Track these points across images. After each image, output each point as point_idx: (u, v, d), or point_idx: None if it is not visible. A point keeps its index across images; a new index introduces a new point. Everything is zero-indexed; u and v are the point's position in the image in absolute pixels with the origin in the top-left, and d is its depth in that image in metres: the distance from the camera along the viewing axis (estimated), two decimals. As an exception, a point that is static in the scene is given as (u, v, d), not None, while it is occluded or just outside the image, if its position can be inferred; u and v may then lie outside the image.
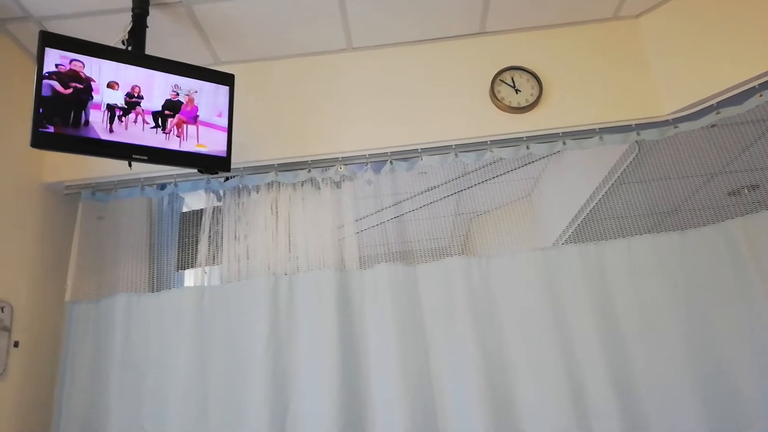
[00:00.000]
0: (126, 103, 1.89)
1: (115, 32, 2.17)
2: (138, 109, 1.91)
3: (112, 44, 1.92)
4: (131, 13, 2.06)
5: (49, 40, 1.78)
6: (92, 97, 1.83)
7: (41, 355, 2.20)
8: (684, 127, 2.32)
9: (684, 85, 2.27)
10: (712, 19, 2.24)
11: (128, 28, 2.03)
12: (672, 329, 2.02)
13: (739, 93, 2.18)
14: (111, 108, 1.86)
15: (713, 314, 2.02)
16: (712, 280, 2.06)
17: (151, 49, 2.30)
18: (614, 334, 2.04)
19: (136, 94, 1.91)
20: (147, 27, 2.08)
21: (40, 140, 1.74)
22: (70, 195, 2.43)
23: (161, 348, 2.15)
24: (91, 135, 1.82)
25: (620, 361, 2.01)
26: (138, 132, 1.90)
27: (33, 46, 2.27)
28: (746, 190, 3.16)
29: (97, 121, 1.83)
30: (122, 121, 1.88)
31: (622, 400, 1.95)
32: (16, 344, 2.07)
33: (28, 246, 2.21)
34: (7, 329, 2.03)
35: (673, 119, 2.32)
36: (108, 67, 1.86)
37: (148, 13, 2.09)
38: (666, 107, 2.31)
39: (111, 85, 1.87)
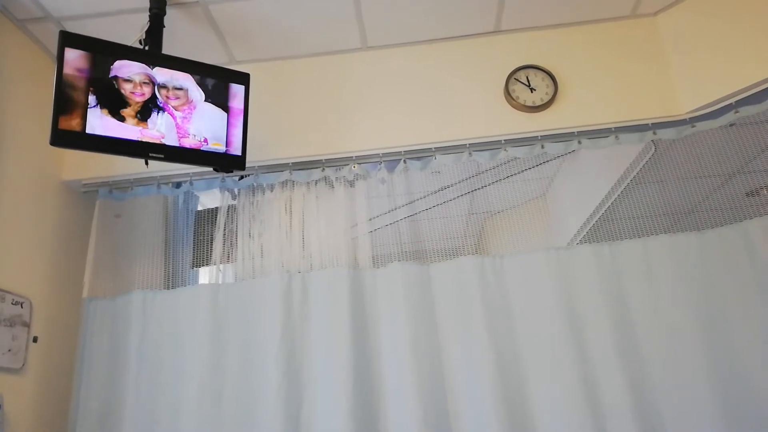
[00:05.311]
0: (143, 101, 1.91)
1: (132, 32, 2.20)
2: (155, 107, 1.93)
3: (130, 44, 1.94)
4: (148, 13, 2.08)
5: (69, 39, 1.81)
6: (110, 96, 1.85)
7: (59, 351, 2.24)
8: (702, 126, 2.29)
9: (702, 84, 2.24)
10: (730, 17, 2.21)
11: (145, 28, 2.05)
12: (689, 330, 1.99)
13: (759, 92, 2.15)
14: (128, 106, 1.88)
15: (731, 315, 2.00)
16: (730, 280, 2.03)
17: (167, 48, 2.33)
18: (630, 334, 2.03)
19: (152, 93, 1.93)
20: (164, 27, 2.10)
21: (59, 138, 1.77)
22: (87, 193, 2.47)
23: (176, 344, 2.17)
24: (109, 133, 1.85)
25: (636, 361, 1.99)
26: (154, 130, 1.92)
27: (52, 45, 2.31)
28: (765, 191, 3.11)
29: (113, 119, 1.86)
30: (139, 120, 1.90)
31: (637, 401, 1.93)
32: (35, 339, 2.11)
33: (47, 243, 2.24)
34: (27, 325, 2.07)
35: (690, 118, 2.29)
36: (125, 65, 1.89)
37: (165, 13, 2.11)
38: (683, 106, 2.29)
39: (128, 84, 1.89)
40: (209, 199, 2.66)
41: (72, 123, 1.79)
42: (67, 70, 1.79)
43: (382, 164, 2.37)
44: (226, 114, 2.06)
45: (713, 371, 1.93)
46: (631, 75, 2.36)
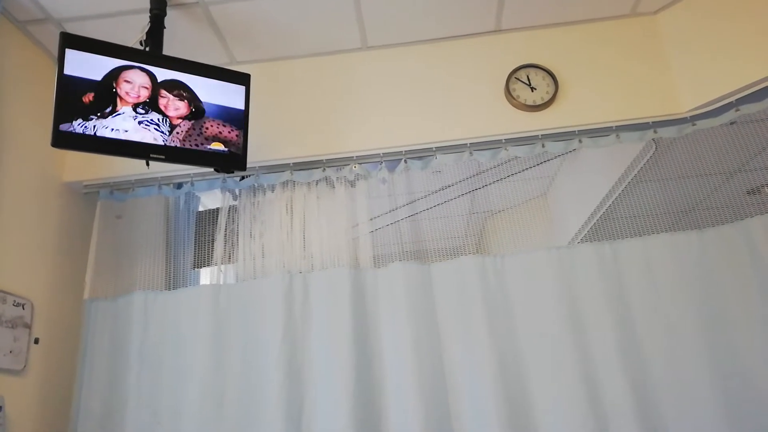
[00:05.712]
0: (144, 102, 1.91)
1: (133, 33, 2.20)
2: (155, 108, 1.93)
3: (130, 45, 1.94)
4: (149, 15, 2.08)
5: (69, 41, 1.81)
6: (111, 97, 1.86)
7: (61, 352, 2.24)
8: (702, 124, 2.28)
9: (703, 82, 2.24)
10: (731, 15, 2.21)
11: (146, 29, 2.05)
12: (690, 329, 1.99)
13: (759, 90, 2.15)
14: (129, 107, 1.88)
15: (732, 314, 1.99)
16: (731, 279, 2.03)
17: (168, 49, 2.33)
18: (631, 333, 2.02)
19: (153, 94, 1.93)
20: (164, 28, 2.10)
21: (60, 140, 1.77)
22: (89, 194, 2.47)
23: (177, 345, 2.17)
24: (110, 135, 1.85)
25: (637, 361, 1.99)
26: (155, 131, 1.92)
27: (53, 47, 2.31)
28: (766, 189, 3.11)
29: (114, 120, 1.86)
30: (139, 121, 1.90)
31: (639, 400, 1.93)
32: (36, 341, 2.11)
33: (48, 244, 2.24)
34: (28, 326, 2.07)
35: (691, 116, 2.29)
36: (126, 66, 1.89)
37: (165, 14, 2.11)
38: (684, 104, 2.28)
39: (128, 85, 1.89)
40: (210, 199, 2.66)
41: (73, 124, 1.79)
42: (68, 71, 1.79)
43: (383, 164, 2.37)
44: (227, 114, 2.06)
45: (714, 370, 1.93)
46: (632, 73, 2.36)
